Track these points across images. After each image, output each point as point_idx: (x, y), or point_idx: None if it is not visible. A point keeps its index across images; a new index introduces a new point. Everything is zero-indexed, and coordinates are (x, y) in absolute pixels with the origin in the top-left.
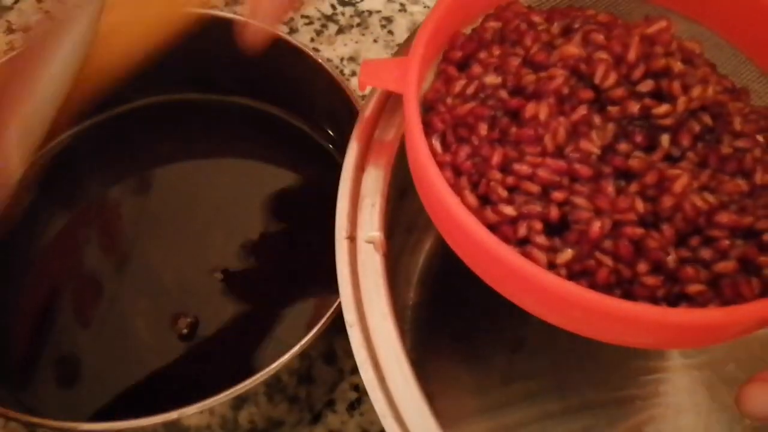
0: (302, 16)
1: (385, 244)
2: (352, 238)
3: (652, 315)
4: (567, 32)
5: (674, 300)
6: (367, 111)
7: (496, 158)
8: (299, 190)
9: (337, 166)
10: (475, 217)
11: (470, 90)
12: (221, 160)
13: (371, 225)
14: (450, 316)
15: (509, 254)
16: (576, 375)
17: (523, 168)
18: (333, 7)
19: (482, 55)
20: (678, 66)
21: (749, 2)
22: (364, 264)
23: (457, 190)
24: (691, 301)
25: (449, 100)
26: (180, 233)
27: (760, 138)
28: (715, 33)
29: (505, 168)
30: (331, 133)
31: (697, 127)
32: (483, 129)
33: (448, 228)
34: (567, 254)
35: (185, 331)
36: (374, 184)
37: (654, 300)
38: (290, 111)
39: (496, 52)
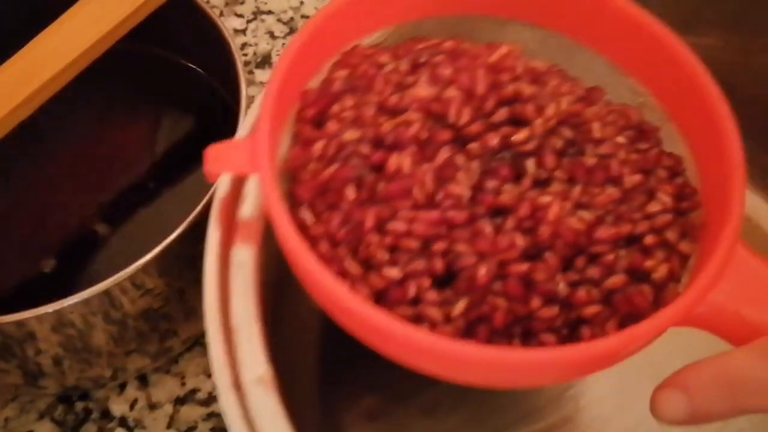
0: (302, 17)
1: (276, 378)
2: (237, 386)
3: (545, 358)
4: (416, 67)
5: (574, 325)
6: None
7: (369, 221)
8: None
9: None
10: (352, 293)
11: (331, 150)
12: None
13: (255, 360)
14: (360, 396)
15: (392, 324)
16: (499, 419)
17: (398, 226)
18: None
19: (336, 108)
20: (527, 89)
21: (589, 2)
22: (258, 412)
23: (337, 261)
24: (590, 323)
25: (312, 165)
26: (64, 177)
27: (621, 139)
28: (560, 35)
29: (380, 228)
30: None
31: (559, 143)
32: (351, 192)
33: (337, 314)
34: (461, 305)
35: (47, 270)
36: (244, 308)
37: (555, 330)
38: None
39: (350, 102)
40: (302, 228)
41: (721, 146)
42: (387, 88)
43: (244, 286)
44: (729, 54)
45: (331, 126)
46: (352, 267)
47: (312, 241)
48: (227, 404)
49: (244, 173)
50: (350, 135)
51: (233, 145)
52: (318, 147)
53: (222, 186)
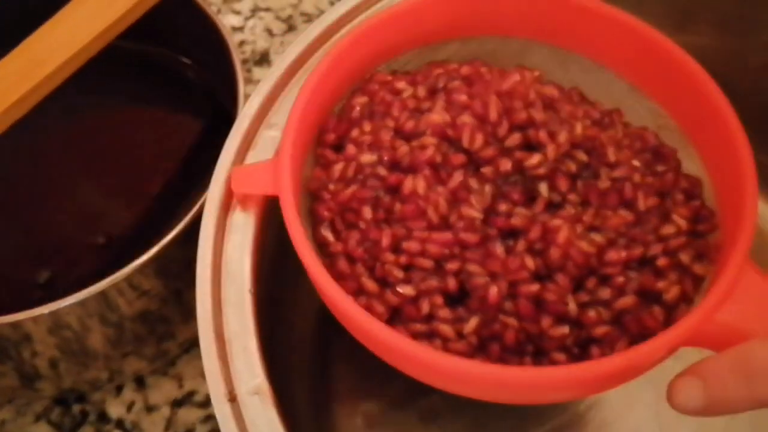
0: (301, 14)
1: (272, 388)
2: (232, 398)
3: (559, 376)
4: (433, 93)
5: (584, 344)
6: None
7: (385, 240)
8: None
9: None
10: (373, 318)
11: (350, 172)
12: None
13: (250, 371)
14: (358, 403)
15: (405, 343)
16: (499, 424)
17: (412, 245)
18: (332, 4)
19: (354, 133)
20: (539, 115)
21: (609, 22)
22: (254, 423)
23: (355, 278)
24: (600, 343)
25: (332, 186)
26: (63, 182)
27: (636, 162)
28: (581, 55)
29: (396, 248)
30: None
31: (573, 167)
32: (367, 213)
33: (361, 336)
34: (473, 323)
35: (42, 282)
36: (238, 318)
37: (565, 349)
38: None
39: (368, 128)
40: (323, 245)
41: (735, 170)
42: (403, 114)
43: (238, 296)
44: (723, 54)
45: (350, 149)
46: (369, 284)
47: (332, 258)
48: (222, 416)
49: (267, 194)
50: (367, 158)
51: (258, 167)
52: (337, 168)
53: (215, 191)
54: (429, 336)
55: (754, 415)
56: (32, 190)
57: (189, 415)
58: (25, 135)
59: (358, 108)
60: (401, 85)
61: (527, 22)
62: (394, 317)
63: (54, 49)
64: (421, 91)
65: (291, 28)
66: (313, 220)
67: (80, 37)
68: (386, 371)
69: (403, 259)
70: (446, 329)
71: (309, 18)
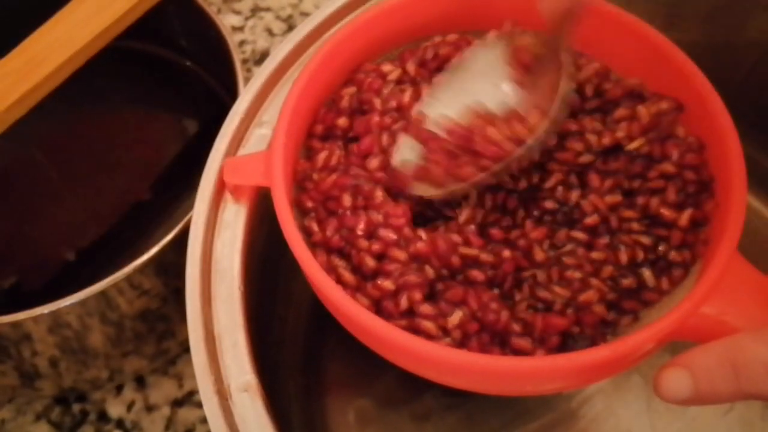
0: (301, 14)
1: (262, 384)
2: (222, 394)
3: (545, 366)
4: (423, 65)
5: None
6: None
7: (361, 226)
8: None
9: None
10: (362, 307)
11: (333, 161)
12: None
13: (240, 367)
14: (351, 400)
15: (395, 332)
16: (492, 420)
17: (388, 234)
18: None
19: (341, 122)
20: None
21: (601, 17)
22: (244, 419)
23: (333, 270)
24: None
25: (315, 175)
26: (57, 184)
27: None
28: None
29: (371, 234)
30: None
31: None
32: (347, 200)
33: (351, 326)
34: (455, 317)
35: (6, 287)
36: (228, 315)
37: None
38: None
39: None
40: (309, 236)
41: (724, 164)
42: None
43: (228, 292)
44: (713, 50)
45: (336, 139)
46: (347, 276)
47: (314, 249)
48: (211, 412)
49: (258, 185)
50: (351, 146)
51: (250, 158)
52: (321, 157)
53: (205, 188)
54: (412, 331)
55: (744, 407)
56: (24, 192)
57: (189, 414)
58: (23, 135)
59: (346, 98)
60: (387, 68)
61: (519, 16)
62: (379, 312)
63: (53, 49)
64: (411, 67)
65: (291, 27)
66: (301, 212)
67: (80, 37)
68: (379, 367)
69: (376, 246)
70: (427, 326)
71: None
